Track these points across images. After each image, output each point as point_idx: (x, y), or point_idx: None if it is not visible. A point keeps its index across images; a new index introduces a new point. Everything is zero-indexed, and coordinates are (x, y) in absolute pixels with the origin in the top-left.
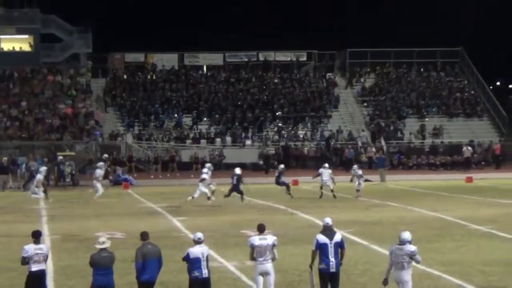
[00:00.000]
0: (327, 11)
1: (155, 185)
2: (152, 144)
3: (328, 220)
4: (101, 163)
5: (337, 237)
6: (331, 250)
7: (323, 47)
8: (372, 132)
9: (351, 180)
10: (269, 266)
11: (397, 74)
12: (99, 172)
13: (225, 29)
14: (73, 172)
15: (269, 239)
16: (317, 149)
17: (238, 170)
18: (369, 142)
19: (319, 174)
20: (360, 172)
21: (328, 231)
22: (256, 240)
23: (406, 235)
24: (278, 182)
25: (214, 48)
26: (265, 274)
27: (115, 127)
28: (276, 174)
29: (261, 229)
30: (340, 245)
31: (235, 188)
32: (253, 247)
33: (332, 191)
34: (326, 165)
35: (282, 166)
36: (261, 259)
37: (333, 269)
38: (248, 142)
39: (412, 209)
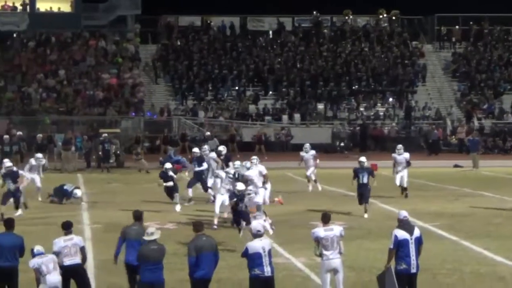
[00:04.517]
0: None
1: None
2: (210, 121)
3: (405, 213)
4: None
5: (417, 232)
6: (412, 247)
7: (406, 10)
8: (467, 110)
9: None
10: (338, 262)
11: (494, 42)
12: None
13: None
14: (118, 152)
15: (335, 229)
16: (399, 129)
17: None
18: (460, 122)
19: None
20: None
21: (406, 225)
22: (321, 231)
23: None
24: None
25: (282, 11)
26: (333, 271)
27: (166, 101)
28: None
29: (325, 219)
30: (419, 241)
31: None
32: (318, 239)
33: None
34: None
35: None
36: (328, 253)
37: (414, 269)
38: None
39: (510, 200)
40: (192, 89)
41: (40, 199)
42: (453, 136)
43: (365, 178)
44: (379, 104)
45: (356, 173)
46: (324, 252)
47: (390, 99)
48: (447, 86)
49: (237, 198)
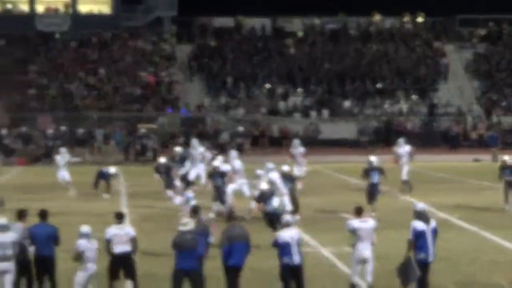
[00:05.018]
0: None
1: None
2: (244, 117)
3: (422, 205)
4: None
5: (433, 222)
6: (429, 237)
7: (429, 12)
8: (486, 108)
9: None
10: (369, 253)
11: None
12: None
13: None
14: (155, 146)
15: (370, 221)
16: (421, 125)
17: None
18: (480, 118)
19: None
20: None
21: (423, 216)
22: (357, 223)
23: None
24: None
25: (310, 12)
26: (364, 261)
27: (201, 98)
28: None
29: (358, 211)
30: (435, 231)
31: None
32: (354, 231)
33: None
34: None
35: None
36: (361, 244)
37: (430, 259)
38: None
39: None
40: (225, 87)
41: (70, 193)
42: (473, 132)
43: (376, 178)
44: (402, 102)
45: (367, 173)
46: (358, 243)
47: (413, 97)
48: (468, 84)
49: (263, 199)
